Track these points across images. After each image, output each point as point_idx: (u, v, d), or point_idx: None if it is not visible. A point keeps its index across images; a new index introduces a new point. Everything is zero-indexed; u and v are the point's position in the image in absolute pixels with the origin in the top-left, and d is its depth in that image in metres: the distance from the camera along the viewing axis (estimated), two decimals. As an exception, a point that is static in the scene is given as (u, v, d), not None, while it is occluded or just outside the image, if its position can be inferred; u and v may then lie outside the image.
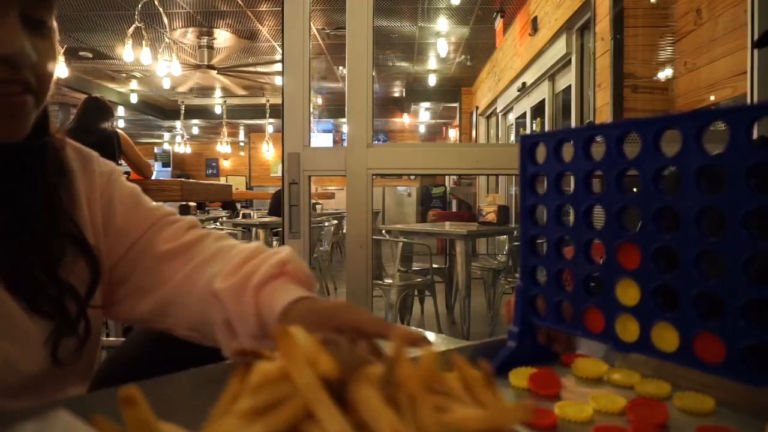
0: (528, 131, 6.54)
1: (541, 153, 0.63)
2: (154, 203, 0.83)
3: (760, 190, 0.43)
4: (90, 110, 3.29)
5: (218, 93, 10.35)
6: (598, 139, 0.58)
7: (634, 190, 0.53)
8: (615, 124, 0.55)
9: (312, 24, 1.74)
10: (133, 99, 10.27)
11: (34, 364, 0.65)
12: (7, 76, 0.57)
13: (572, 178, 0.60)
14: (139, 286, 0.78)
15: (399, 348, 0.32)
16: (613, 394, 0.57)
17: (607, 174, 0.56)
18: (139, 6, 5.20)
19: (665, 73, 3.36)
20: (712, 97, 2.76)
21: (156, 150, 14.97)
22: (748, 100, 2.37)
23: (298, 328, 0.33)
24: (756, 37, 2.23)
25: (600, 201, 0.57)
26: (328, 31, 6.54)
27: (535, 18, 5.36)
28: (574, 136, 0.59)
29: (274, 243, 5.60)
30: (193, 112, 11.86)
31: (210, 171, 15.45)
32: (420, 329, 0.58)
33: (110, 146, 3.30)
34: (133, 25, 5.26)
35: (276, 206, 6.07)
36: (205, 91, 10.10)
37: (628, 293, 0.54)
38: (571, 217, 0.60)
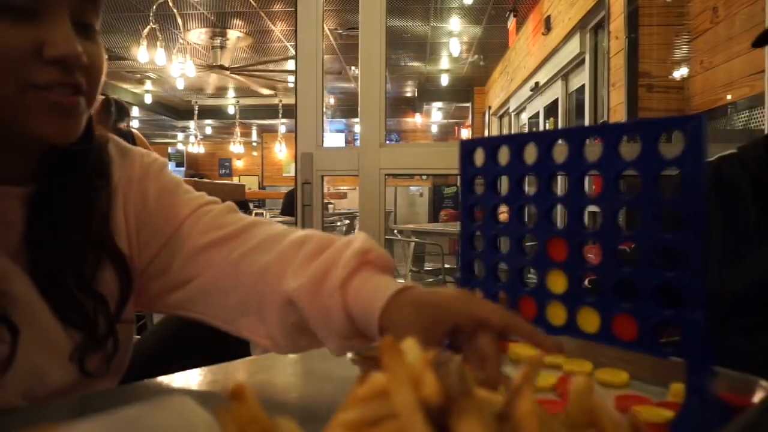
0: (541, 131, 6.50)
1: (480, 157, 0.69)
2: (194, 192, 0.78)
3: (666, 191, 0.51)
4: (107, 111, 3.33)
5: (231, 93, 10.40)
6: (532, 143, 0.64)
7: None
8: (545, 132, 0.62)
9: (324, 24, 1.75)
10: (148, 99, 10.36)
11: (63, 377, 0.65)
12: (61, 77, 0.58)
13: (507, 180, 0.67)
14: (174, 279, 0.74)
15: (527, 376, 0.29)
16: (545, 373, 0.64)
17: (539, 177, 0.63)
18: (154, 7, 5.24)
19: (681, 72, 3.33)
20: (729, 96, 2.72)
21: (170, 150, 15.09)
22: (766, 99, 2.34)
23: (411, 341, 0.30)
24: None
25: (532, 200, 0.63)
26: (340, 31, 6.55)
27: (549, 17, 5.33)
28: (508, 142, 0.65)
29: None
30: (206, 113, 11.93)
31: (223, 171, 15.55)
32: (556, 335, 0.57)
33: None
34: (148, 27, 5.31)
35: (289, 206, 6.09)
36: (219, 91, 10.17)
37: (557, 282, 0.61)
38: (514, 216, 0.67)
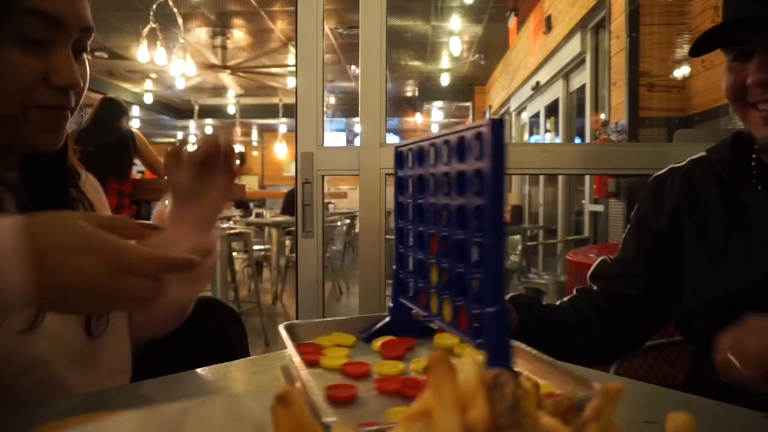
0: (542, 130, 6.50)
1: (409, 159, 0.80)
2: None
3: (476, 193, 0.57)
4: (105, 110, 3.31)
5: (231, 93, 10.40)
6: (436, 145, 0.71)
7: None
8: (427, 138, 0.72)
9: (325, 23, 1.74)
10: (147, 99, 10.36)
11: (76, 337, 0.74)
12: (60, 99, 0.68)
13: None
14: None
15: (599, 408, 0.26)
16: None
17: (417, 179, 0.75)
18: (154, 6, 5.24)
19: (682, 72, 3.32)
20: (730, 96, 2.71)
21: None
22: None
23: (467, 359, 0.28)
24: None
25: (423, 200, 0.73)
26: (341, 30, 6.54)
27: (549, 16, 5.32)
28: (412, 146, 0.77)
29: (287, 242, 5.62)
30: (206, 112, 11.93)
31: (223, 170, 15.53)
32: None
33: (126, 147, 3.31)
34: (148, 26, 5.30)
35: (289, 205, 6.09)
36: (219, 90, 10.16)
37: (433, 275, 0.69)
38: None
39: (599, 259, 1.11)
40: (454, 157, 0.62)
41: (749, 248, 0.89)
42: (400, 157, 0.82)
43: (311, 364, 0.67)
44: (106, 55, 7.65)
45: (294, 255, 1.96)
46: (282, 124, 11.47)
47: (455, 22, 6.44)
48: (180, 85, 8.09)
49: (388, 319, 0.80)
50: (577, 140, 5.26)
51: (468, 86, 9.61)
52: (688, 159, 1.03)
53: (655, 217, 1.02)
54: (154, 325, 0.88)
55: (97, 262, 0.50)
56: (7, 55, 0.64)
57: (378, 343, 0.74)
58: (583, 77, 4.73)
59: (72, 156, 0.81)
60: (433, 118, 12.03)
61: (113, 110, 3.35)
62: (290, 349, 0.65)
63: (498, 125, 0.53)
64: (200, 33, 6.85)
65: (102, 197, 0.90)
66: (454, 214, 0.62)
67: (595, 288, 1.07)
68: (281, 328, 0.73)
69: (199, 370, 0.74)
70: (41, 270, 0.48)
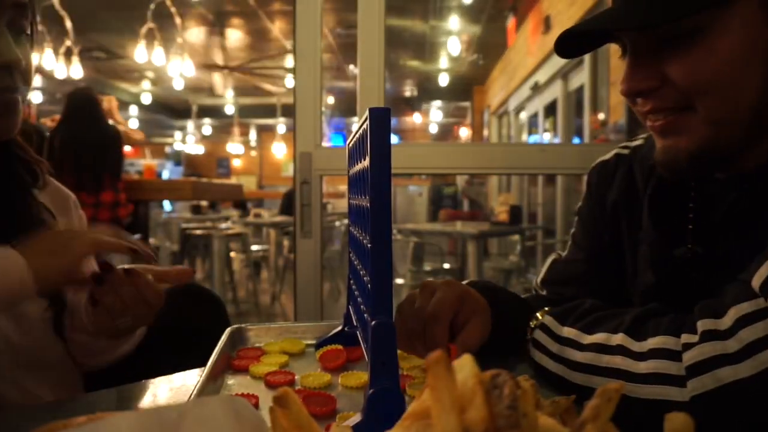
0: (540, 130, 6.50)
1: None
2: None
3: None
4: (76, 102, 3.16)
5: (229, 93, 10.38)
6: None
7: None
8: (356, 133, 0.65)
9: (323, 23, 1.74)
10: (145, 98, 10.34)
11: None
12: (5, 82, 0.67)
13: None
14: None
15: (596, 408, 0.26)
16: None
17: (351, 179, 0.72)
18: (152, 6, 5.22)
19: (680, 71, 3.31)
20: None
21: (167, 150, 15.06)
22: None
23: (466, 358, 0.28)
24: None
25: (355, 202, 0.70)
26: (339, 30, 6.53)
27: (548, 16, 5.32)
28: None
29: (285, 242, 5.61)
30: (204, 112, 11.91)
31: (221, 170, 15.52)
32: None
33: (118, 145, 3.22)
34: (146, 26, 5.28)
35: (288, 206, 6.08)
36: (217, 90, 10.15)
37: (354, 283, 0.68)
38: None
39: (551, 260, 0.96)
40: (361, 153, 0.57)
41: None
42: (350, 155, 0.76)
43: (240, 370, 0.68)
44: (103, 55, 7.63)
45: (292, 255, 1.96)
46: (280, 124, 11.45)
47: (454, 21, 6.43)
48: (178, 84, 8.08)
49: (339, 327, 0.78)
50: (576, 140, 5.26)
51: (467, 86, 9.60)
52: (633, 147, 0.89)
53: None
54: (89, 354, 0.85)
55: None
56: None
57: (320, 352, 0.73)
58: (581, 77, 4.73)
59: (30, 156, 0.80)
60: (432, 118, 12.03)
61: (84, 101, 3.18)
62: (213, 355, 0.65)
63: (380, 116, 0.47)
64: (198, 33, 6.83)
65: (69, 204, 0.89)
66: (362, 216, 0.58)
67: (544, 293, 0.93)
68: (227, 332, 0.74)
69: (197, 370, 0.73)
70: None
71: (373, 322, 0.50)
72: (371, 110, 0.47)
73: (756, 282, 0.55)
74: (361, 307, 0.61)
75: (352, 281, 0.74)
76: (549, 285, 0.92)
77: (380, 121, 0.47)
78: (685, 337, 0.56)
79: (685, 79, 0.62)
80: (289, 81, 8.06)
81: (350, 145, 0.70)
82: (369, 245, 0.51)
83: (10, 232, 0.72)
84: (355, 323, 0.70)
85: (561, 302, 0.76)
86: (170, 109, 11.77)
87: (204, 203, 7.37)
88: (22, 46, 0.70)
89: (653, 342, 0.57)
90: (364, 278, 0.56)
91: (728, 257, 0.67)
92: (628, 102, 0.71)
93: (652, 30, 0.63)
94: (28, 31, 0.73)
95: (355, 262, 0.68)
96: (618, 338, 0.60)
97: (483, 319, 0.69)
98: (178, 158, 14.98)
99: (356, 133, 0.62)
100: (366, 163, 0.51)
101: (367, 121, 0.49)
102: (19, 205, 0.77)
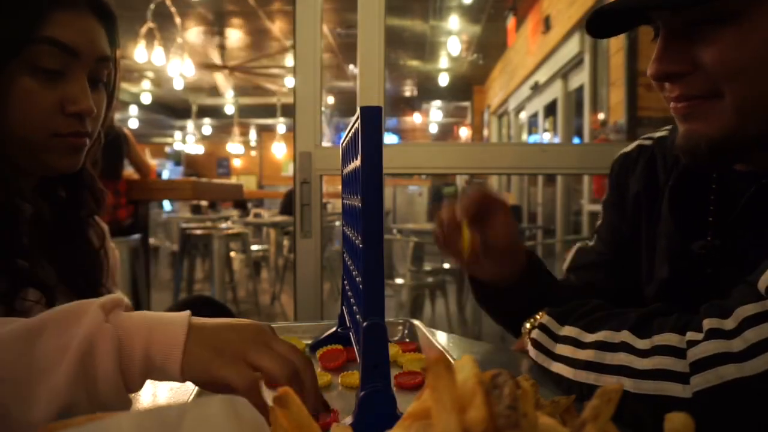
0: (540, 130, 6.50)
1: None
2: None
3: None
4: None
5: (229, 92, 10.38)
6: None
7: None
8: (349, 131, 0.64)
9: (323, 23, 1.74)
10: (145, 98, 10.33)
11: None
12: (76, 126, 0.74)
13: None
14: None
15: (596, 408, 0.26)
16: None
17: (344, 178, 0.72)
18: (152, 6, 5.22)
19: (680, 71, 3.31)
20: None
21: (167, 149, 15.05)
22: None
23: (466, 360, 0.28)
24: None
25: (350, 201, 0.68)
26: (339, 30, 6.53)
27: (548, 16, 5.32)
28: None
29: (285, 242, 5.61)
30: (204, 112, 11.90)
31: (221, 170, 15.51)
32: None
33: (119, 147, 3.23)
34: (146, 26, 5.28)
35: (288, 205, 6.08)
36: (217, 90, 10.14)
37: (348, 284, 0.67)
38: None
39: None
40: (354, 152, 0.56)
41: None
42: (343, 154, 0.75)
43: None
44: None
45: (292, 255, 1.96)
46: (280, 124, 11.44)
47: (454, 21, 6.43)
48: (178, 84, 8.08)
49: (334, 328, 0.78)
50: (576, 140, 5.26)
51: (467, 86, 9.60)
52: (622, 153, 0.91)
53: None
54: None
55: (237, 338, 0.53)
56: (25, 86, 0.69)
57: (320, 352, 0.73)
58: (581, 77, 4.73)
59: (91, 177, 0.88)
60: (432, 118, 12.02)
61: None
62: None
63: (371, 114, 0.46)
64: (198, 33, 6.83)
65: (105, 236, 0.94)
66: (355, 216, 0.57)
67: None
68: None
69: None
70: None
71: (365, 323, 0.49)
72: (362, 109, 0.46)
73: (762, 284, 0.55)
74: (354, 307, 0.60)
75: (345, 282, 0.73)
76: (574, 271, 0.95)
77: (371, 119, 0.46)
78: (690, 335, 0.56)
79: (716, 64, 0.61)
80: (289, 81, 8.06)
81: (343, 144, 0.69)
82: (360, 245, 0.50)
83: (69, 258, 0.80)
84: (348, 324, 0.70)
85: (586, 289, 0.85)
86: (170, 109, 11.76)
87: (204, 203, 7.38)
88: (97, 92, 0.77)
89: (658, 339, 0.58)
90: (357, 279, 0.55)
91: (744, 252, 0.66)
92: (655, 86, 0.70)
93: (687, 11, 0.62)
94: (105, 79, 0.79)
95: (348, 263, 0.67)
96: (622, 336, 0.61)
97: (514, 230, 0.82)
98: (178, 158, 14.98)
99: (349, 132, 0.61)
100: (358, 162, 0.50)
101: (359, 120, 0.48)
102: (80, 233, 0.85)
